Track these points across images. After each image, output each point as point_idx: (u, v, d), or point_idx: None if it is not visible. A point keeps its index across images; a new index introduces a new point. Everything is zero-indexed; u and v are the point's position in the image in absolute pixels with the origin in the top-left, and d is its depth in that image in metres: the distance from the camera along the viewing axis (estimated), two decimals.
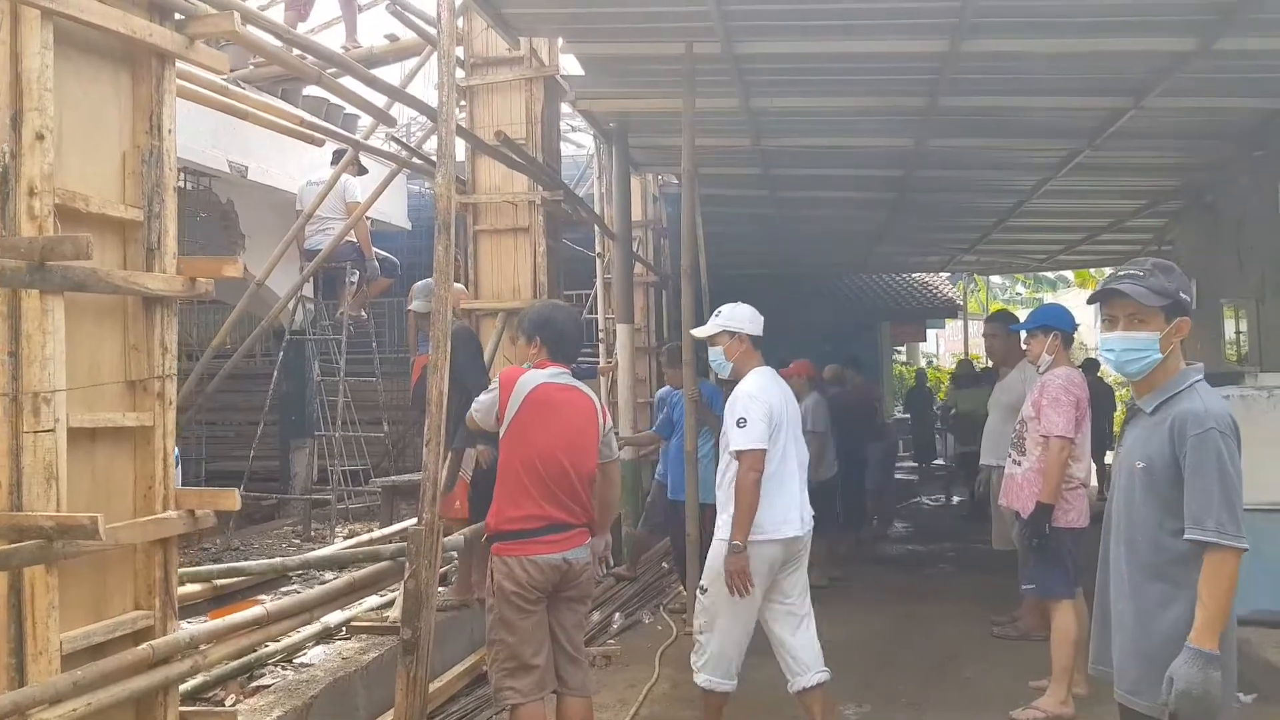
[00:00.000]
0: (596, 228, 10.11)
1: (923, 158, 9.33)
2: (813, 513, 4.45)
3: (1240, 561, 2.55)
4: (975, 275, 22.77)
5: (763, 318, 4.55)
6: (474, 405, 3.99)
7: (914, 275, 21.22)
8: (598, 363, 10.64)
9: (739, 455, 4.17)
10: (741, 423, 4.19)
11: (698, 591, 4.54)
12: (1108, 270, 25.02)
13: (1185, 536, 2.57)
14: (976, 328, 28.97)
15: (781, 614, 4.42)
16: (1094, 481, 8.26)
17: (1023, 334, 5.87)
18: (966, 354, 20.86)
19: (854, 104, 7.69)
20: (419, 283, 5.98)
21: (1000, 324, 6.70)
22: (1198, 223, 11.35)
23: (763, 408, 4.22)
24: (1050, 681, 4.96)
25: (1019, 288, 41.60)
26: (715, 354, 4.49)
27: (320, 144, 6.59)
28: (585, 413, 3.92)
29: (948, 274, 21.64)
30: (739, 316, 4.47)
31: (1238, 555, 2.54)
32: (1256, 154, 7.94)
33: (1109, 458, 10.44)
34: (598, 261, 11.16)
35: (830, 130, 8.59)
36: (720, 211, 11.35)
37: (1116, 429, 12.40)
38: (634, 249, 10.20)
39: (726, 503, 4.26)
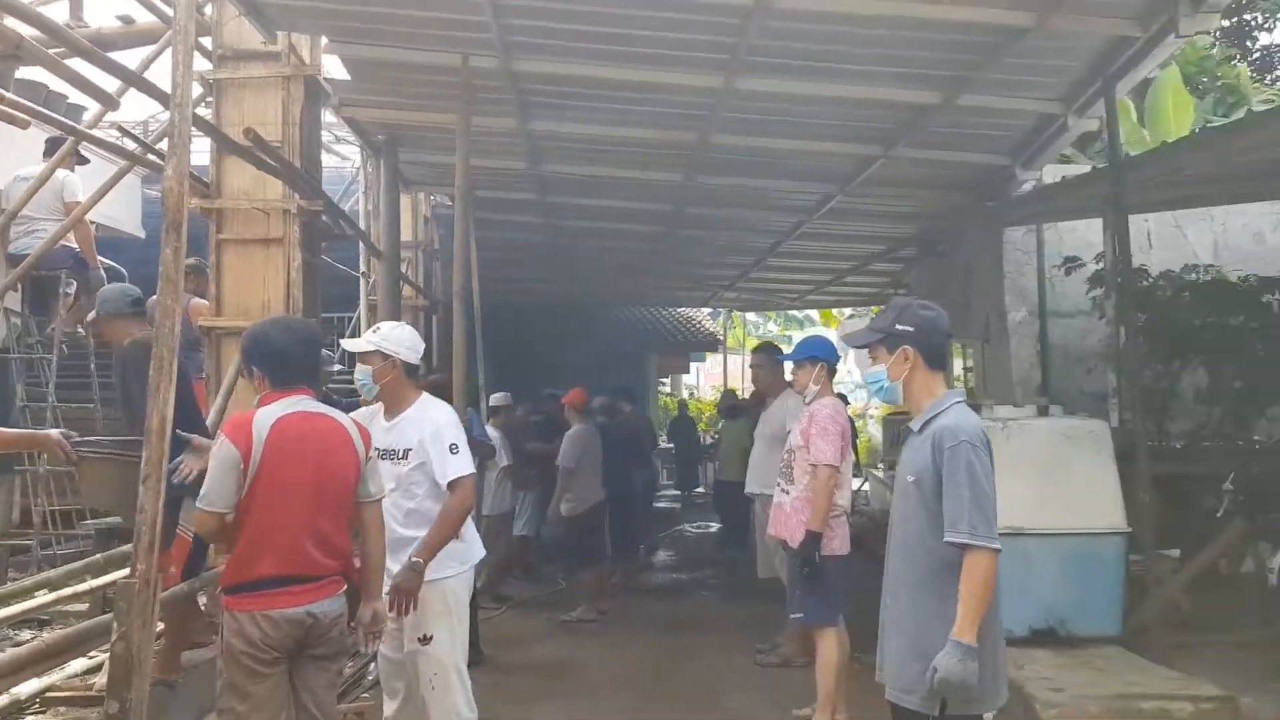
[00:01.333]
0: (362, 245, 9.58)
1: (691, 194, 9.54)
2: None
3: (995, 561, 2.84)
4: (734, 311, 23.70)
5: (424, 345, 4.23)
6: (204, 488, 3.23)
7: (679, 309, 21.84)
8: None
9: (459, 481, 3.94)
10: (455, 448, 3.98)
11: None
12: (848, 311, 26.96)
13: (945, 539, 2.86)
14: (735, 361, 30.24)
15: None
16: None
17: (789, 365, 6.03)
18: (726, 386, 21.63)
19: (631, 135, 7.72)
20: (106, 287, 5.16)
21: (767, 355, 6.86)
22: (931, 268, 12.31)
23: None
24: (815, 710, 5.03)
25: (771, 325, 44.03)
26: (363, 373, 4.05)
27: (25, 125, 5.63)
28: (338, 445, 3.39)
29: (709, 309, 22.42)
30: (397, 339, 4.07)
31: (991, 555, 2.82)
32: (988, 204, 8.64)
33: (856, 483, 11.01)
34: (362, 282, 10.60)
35: (607, 160, 8.59)
36: (494, 236, 11.11)
37: (861, 456, 13.25)
38: (403, 270, 9.76)
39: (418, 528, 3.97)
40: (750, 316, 35.04)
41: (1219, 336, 7.37)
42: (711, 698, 5.91)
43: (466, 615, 4.19)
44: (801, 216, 10.43)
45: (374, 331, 4.16)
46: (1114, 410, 8.24)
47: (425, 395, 4.19)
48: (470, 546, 4.18)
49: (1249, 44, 14.82)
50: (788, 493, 5.21)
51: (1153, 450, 6.32)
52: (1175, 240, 9.49)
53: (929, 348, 3.09)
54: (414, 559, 3.84)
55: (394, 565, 3.86)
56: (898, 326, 3.11)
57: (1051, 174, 8.93)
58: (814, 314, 34.66)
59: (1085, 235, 9.36)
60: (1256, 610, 5.62)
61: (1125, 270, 5.80)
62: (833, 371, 5.33)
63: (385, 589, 3.72)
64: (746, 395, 11.46)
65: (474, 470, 4.07)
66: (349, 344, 4.31)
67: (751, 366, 6.91)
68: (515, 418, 9.77)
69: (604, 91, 6.82)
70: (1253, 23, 14.34)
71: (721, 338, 23.50)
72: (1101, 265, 7.71)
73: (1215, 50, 11.98)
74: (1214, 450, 7.05)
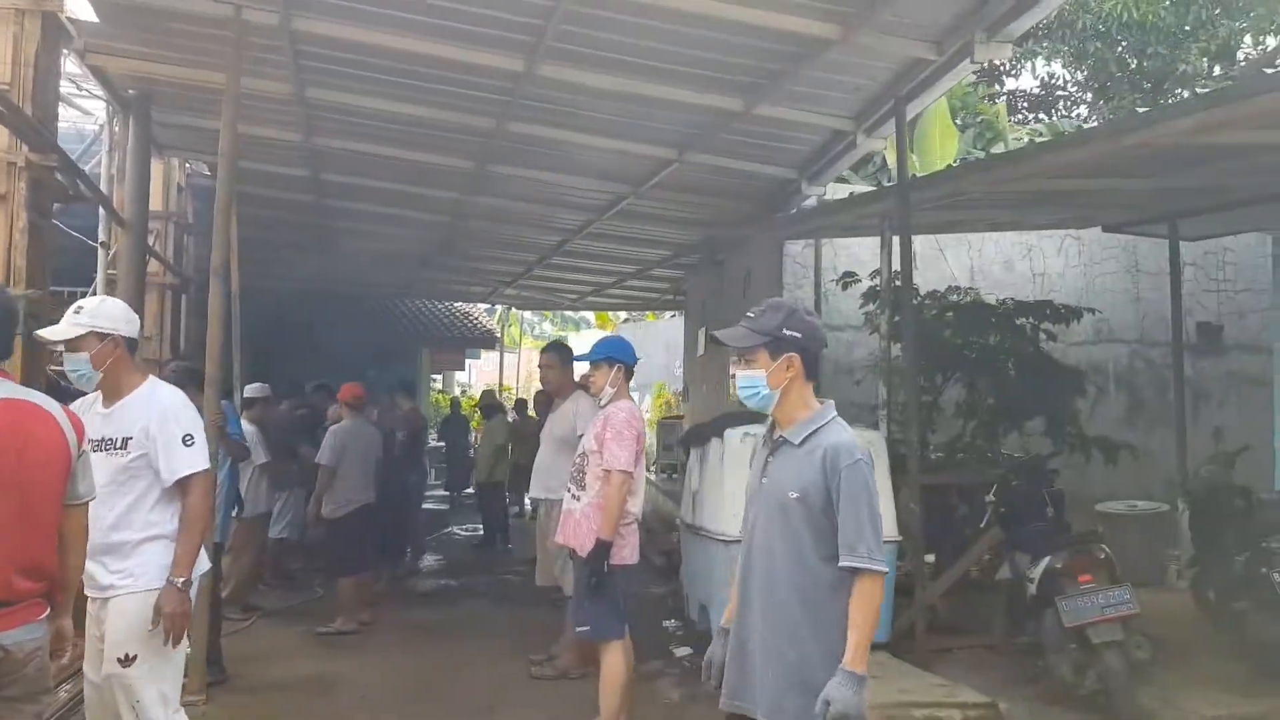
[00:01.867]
0: (103, 212, 8.51)
1: (481, 183, 9.17)
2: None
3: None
4: (513, 309, 23.39)
5: (138, 318, 3.74)
6: None
7: (456, 304, 21.22)
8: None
9: (192, 480, 3.51)
10: (189, 440, 3.53)
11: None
12: (623, 316, 27.30)
13: (840, 564, 2.72)
14: (512, 360, 29.92)
15: None
16: None
17: (580, 365, 5.82)
18: (501, 385, 21.29)
19: (420, 114, 7.25)
20: None
21: (558, 354, 6.59)
22: (710, 276, 12.55)
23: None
24: None
25: (546, 324, 44.02)
26: (77, 362, 3.46)
27: None
28: (44, 436, 2.82)
29: (488, 305, 21.96)
30: (110, 314, 3.55)
31: (882, 580, 2.74)
32: (778, 216, 8.82)
33: None
34: (101, 253, 9.44)
35: (391, 139, 8.05)
36: (259, 214, 10.24)
37: None
38: (150, 243, 8.75)
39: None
40: (526, 315, 34.91)
41: (978, 355, 7.87)
42: (485, 715, 5.58)
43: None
44: (591, 215, 10.29)
45: (76, 312, 3.52)
46: (882, 421, 8.62)
47: (153, 378, 3.68)
48: None
49: (998, 86, 16.17)
50: (578, 499, 4.97)
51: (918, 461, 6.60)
52: (937, 262, 10.10)
53: (811, 356, 2.92)
54: (172, 579, 3.42)
55: (97, 570, 3.39)
56: (785, 331, 2.89)
57: (831, 193, 9.26)
58: (590, 316, 35.02)
59: (858, 254, 9.78)
60: (1006, 617, 5.95)
61: (906, 287, 6.00)
62: (629, 374, 5.13)
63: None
64: (530, 395, 11.14)
65: (209, 466, 3.64)
66: (50, 332, 3.56)
67: (541, 366, 6.63)
68: (275, 411, 9.01)
69: (394, 64, 6.34)
70: (1002, 67, 15.61)
71: (499, 335, 23.10)
72: (876, 282, 8.03)
73: (977, 88, 12.94)
74: (968, 462, 7.48)
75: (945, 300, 8.32)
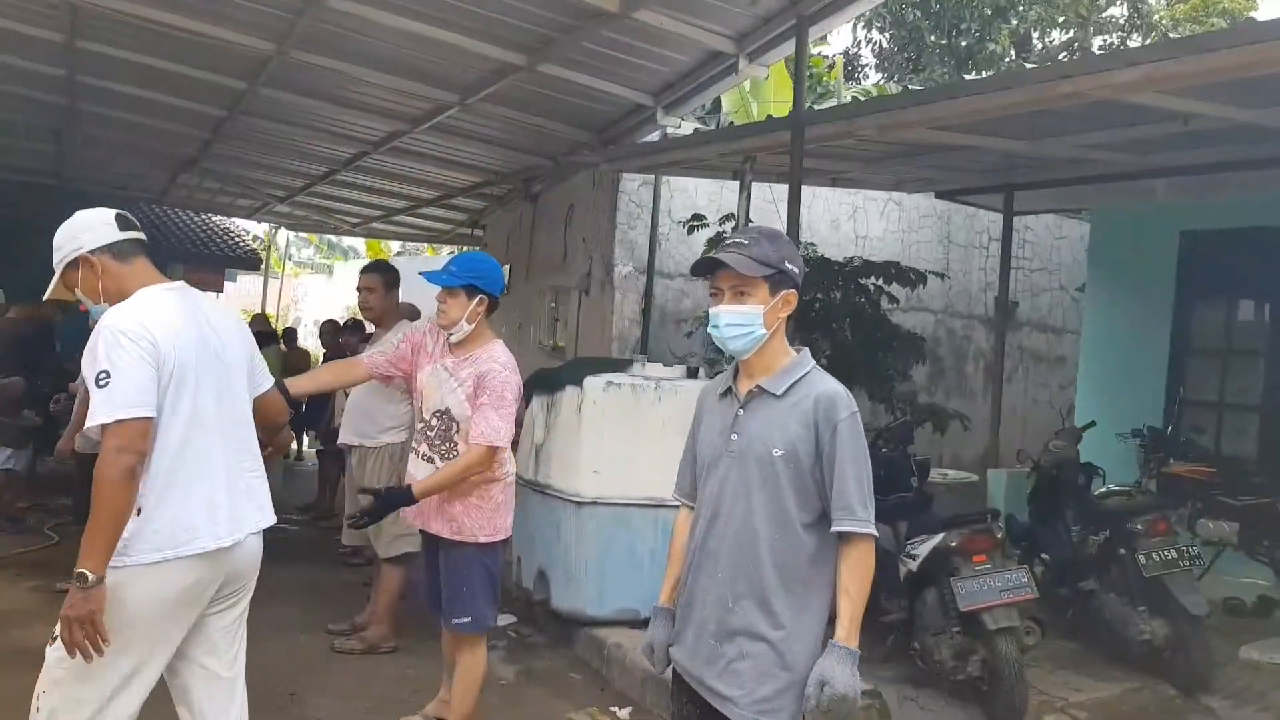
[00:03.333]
0: None
1: (277, 74, 7.80)
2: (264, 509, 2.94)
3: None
4: (281, 229, 21.30)
5: None
6: None
7: (214, 218, 18.94)
8: None
9: (102, 431, 2.51)
10: (103, 379, 2.52)
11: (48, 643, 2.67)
12: (395, 248, 25.59)
13: (837, 528, 2.43)
14: (277, 285, 27.50)
15: (201, 677, 2.87)
16: None
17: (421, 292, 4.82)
18: (264, 311, 19.34)
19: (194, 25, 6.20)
20: None
21: (382, 275, 5.53)
22: (521, 210, 11.70)
23: (142, 349, 2.57)
24: None
25: (310, 250, 40.99)
26: None
27: None
28: None
29: (253, 223, 19.83)
30: None
31: (874, 545, 2.46)
32: (602, 167, 8.03)
33: None
34: None
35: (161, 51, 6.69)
36: None
37: None
38: None
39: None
40: (290, 238, 32.27)
41: (821, 311, 7.53)
42: (283, 703, 4.59)
43: None
44: (403, 126, 9.08)
45: None
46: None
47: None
48: None
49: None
50: (434, 463, 3.93)
51: None
52: (770, 216, 9.73)
53: (799, 296, 2.60)
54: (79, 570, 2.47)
55: None
56: (787, 265, 2.51)
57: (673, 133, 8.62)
58: (360, 245, 32.82)
59: (694, 197, 9.25)
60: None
61: (792, 234, 5.45)
62: (493, 310, 4.07)
63: None
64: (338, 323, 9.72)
65: (126, 413, 2.57)
66: None
67: (361, 288, 5.56)
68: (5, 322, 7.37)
69: None
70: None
71: (264, 256, 21.00)
72: (725, 227, 7.49)
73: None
74: None
75: None
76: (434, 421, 3.94)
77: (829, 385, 2.51)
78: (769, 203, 9.84)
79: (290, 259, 35.22)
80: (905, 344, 7.45)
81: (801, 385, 2.51)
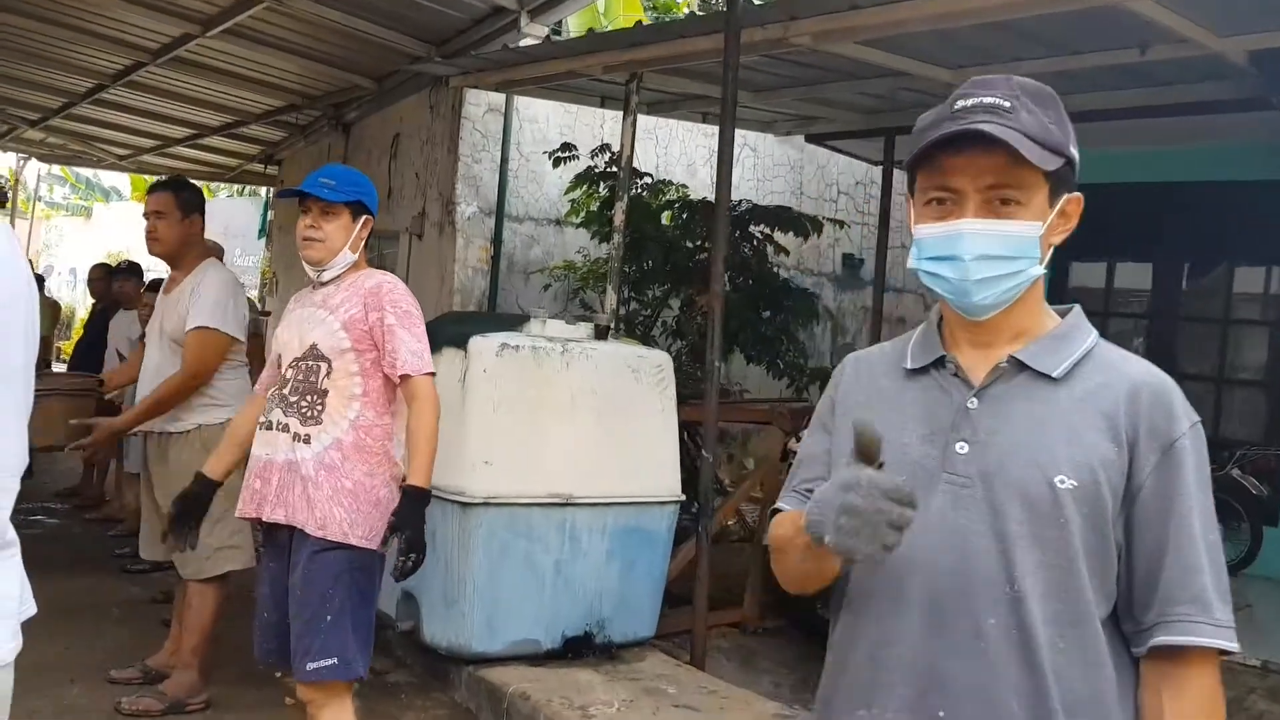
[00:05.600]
0: None
1: None
2: None
3: None
4: (34, 161, 18.31)
5: None
6: None
7: None
8: None
9: None
10: None
11: None
12: (149, 178, 22.81)
13: (1172, 639, 1.30)
14: (25, 228, 24.02)
15: None
16: None
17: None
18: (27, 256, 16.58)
19: None
20: None
21: (178, 197, 4.07)
22: (330, 140, 10.26)
23: None
24: None
25: (64, 189, 36.21)
26: None
27: None
28: None
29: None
30: None
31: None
32: (453, 81, 6.73)
33: None
34: None
35: None
36: None
37: None
38: None
39: None
40: (40, 173, 28.40)
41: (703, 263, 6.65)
42: None
43: None
44: (192, 30, 7.35)
45: None
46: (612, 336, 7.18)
47: None
48: None
49: None
50: (308, 441, 2.77)
51: None
52: (641, 154, 8.78)
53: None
54: None
55: None
56: (1073, 150, 1.36)
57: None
58: (124, 184, 29.26)
59: (545, 129, 8.12)
60: (763, 590, 4.94)
61: (726, 168, 4.49)
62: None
63: None
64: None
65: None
66: None
67: (149, 213, 4.10)
68: None
69: None
70: None
71: (9, 192, 18.04)
72: (598, 162, 6.42)
73: None
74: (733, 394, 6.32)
75: (662, 195, 6.99)
76: (290, 374, 2.86)
77: (1143, 369, 1.38)
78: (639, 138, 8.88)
79: (41, 200, 31.05)
80: (799, 302, 6.66)
81: (1090, 365, 1.38)
